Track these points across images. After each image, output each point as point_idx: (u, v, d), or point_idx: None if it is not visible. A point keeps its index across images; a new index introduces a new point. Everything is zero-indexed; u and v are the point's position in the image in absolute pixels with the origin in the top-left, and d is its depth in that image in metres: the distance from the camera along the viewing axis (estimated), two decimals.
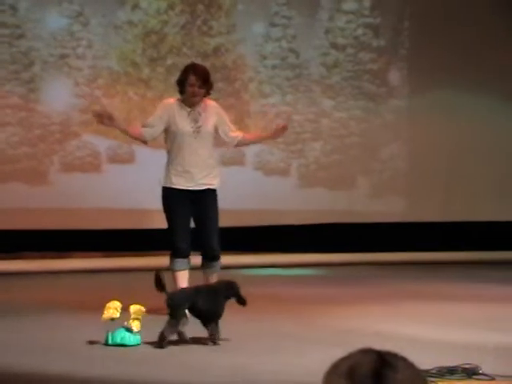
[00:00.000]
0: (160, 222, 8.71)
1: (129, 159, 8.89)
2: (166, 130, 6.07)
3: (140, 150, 8.81)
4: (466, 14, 9.81)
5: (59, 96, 8.74)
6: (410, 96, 9.80)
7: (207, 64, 9.07)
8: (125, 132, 6.26)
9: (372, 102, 9.68)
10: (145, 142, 6.23)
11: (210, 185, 6.05)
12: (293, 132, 9.44)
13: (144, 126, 6.13)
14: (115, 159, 8.87)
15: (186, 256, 6.00)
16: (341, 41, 9.55)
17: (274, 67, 9.36)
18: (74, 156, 8.78)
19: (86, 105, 8.79)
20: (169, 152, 6.09)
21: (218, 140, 6.19)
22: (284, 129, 6.24)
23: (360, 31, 9.61)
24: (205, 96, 6.06)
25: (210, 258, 6.06)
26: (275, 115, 9.37)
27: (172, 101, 6.11)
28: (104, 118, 6.06)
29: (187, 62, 9.06)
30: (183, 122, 6.00)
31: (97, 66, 8.83)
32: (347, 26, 9.57)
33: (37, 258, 8.51)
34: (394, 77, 9.77)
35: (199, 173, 6.01)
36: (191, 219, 6.07)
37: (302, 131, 9.47)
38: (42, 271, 8.17)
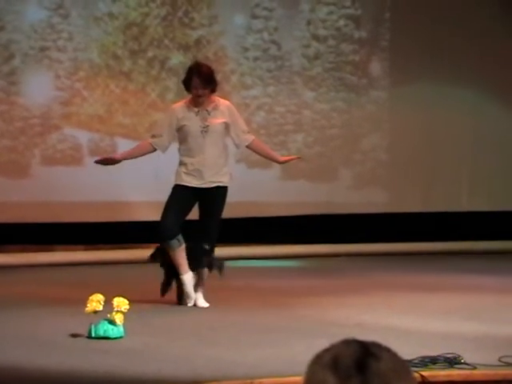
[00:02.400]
0: (142, 215, 8.72)
1: (111, 152, 8.85)
2: (177, 131, 6.14)
3: (122, 143, 8.79)
4: (446, 6, 9.84)
5: (40, 89, 8.69)
6: (391, 87, 9.83)
7: (189, 56, 9.09)
8: (130, 156, 6.28)
9: (353, 93, 9.70)
10: (154, 150, 6.22)
11: (220, 182, 6.13)
12: (275, 124, 9.45)
13: (153, 136, 6.20)
14: (97, 152, 8.83)
15: (171, 234, 6.04)
16: (322, 32, 9.56)
17: (255, 59, 9.36)
18: (56, 149, 8.74)
19: (66, 97, 8.76)
20: (180, 151, 6.18)
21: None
22: (295, 159, 6.62)
23: (341, 22, 9.62)
24: (211, 93, 6.11)
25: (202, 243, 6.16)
26: (257, 107, 9.38)
27: (177, 106, 6.18)
28: (107, 161, 6.25)
29: (168, 54, 9.10)
30: (191, 122, 6.07)
31: (77, 59, 8.79)
32: (328, 18, 9.58)
33: (18, 251, 8.47)
34: (375, 68, 9.79)
35: (208, 171, 6.09)
36: (187, 213, 6.15)
37: (283, 123, 9.48)
38: (24, 264, 8.14)
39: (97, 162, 6.36)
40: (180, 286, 6.11)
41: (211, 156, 6.09)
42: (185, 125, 6.07)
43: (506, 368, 4.30)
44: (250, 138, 6.27)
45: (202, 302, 6.06)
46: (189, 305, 6.06)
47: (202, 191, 6.10)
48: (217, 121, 6.09)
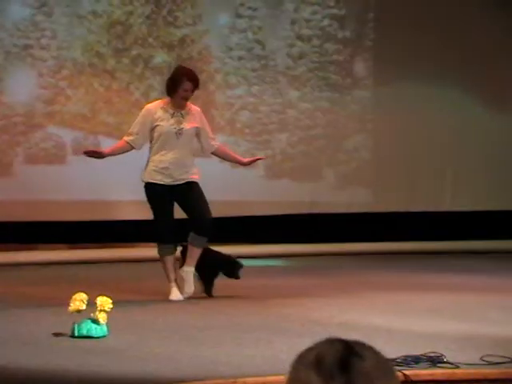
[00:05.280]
0: (126, 214, 8.70)
1: (97, 149, 8.82)
2: (151, 130, 6.39)
3: (106, 142, 8.76)
4: (430, 6, 9.88)
5: (23, 87, 8.65)
6: (374, 87, 9.86)
7: (173, 55, 9.08)
8: (112, 153, 6.50)
9: (337, 92, 9.71)
10: (132, 148, 6.47)
11: (189, 179, 6.40)
12: (259, 123, 9.46)
13: (129, 134, 6.43)
14: (81, 151, 8.80)
15: (169, 242, 6.36)
16: (306, 32, 9.58)
17: (239, 58, 9.36)
18: (39, 147, 8.71)
19: (50, 96, 8.72)
20: (151, 149, 6.42)
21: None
22: (259, 160, 7.02)
23: (325, 22, 9.64)
24: None
25: (201, 231, 6.36)
26: (241, 106, 9.38)
27: (153, 106, 6.45)
28: (94, 154, 6.50)
29: (153, 53, 9.07)
30: (167, 123, 6.34)
31: (61, 57, 8.76)
32: (313, 17, 9.60)
33: (1, 250, 8.42)
34: (359, 68, 9.81)
35: (177, 170, 6.35)
36: (173, 210, 6.42)
37: (268, 122, 9.49)
38: (7, 263, 8.10)
39: (85, 152, 6.59)
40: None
41: (182, 157, 6.36)
42: (160, 125, 6.34)
43: (488, 367, 4.32)
44: (216, 144, 6.59)
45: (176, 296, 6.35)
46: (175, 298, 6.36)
47: (174, 188, 6.35)
48: (190, 125, 6.39)
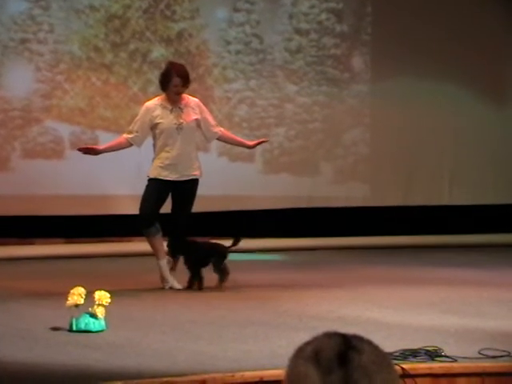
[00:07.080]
0: (123, 208, 8.69)
1: (92, 145, 8.81)
2: (152, 128, 6.47)
3: (103, 136, 8.76)
4: (428, 1, 9.87)
5: (20, 81, 8.64)
6: (372, 81, 9.85)
7: (171, 49, 9.07)
8: (110, 149, 6.58)
9: (335, 87, 9.71)
10: (131, 145, 6.56)
11: (193, 175, 6.53)
12: (257, 117, 9.45)
13: (129, 132, 6.51)
14: (78, 145, 8.78)
15: (150, 222, 6.43)
16: (304, 26, 9.57)
17: (237, 52, 9.35)
18: (36, 142, 8.70)
19: (47, 90, 8.71)
20: (155, 146, 6.52)
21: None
22: (264, 142, 7.01)
23: (323, 16, 9.63)
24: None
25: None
26: (239, 100, 9.37)
27: (152, 104, 6.50)
28: (89, 151, 6.55)
29: (150, 47, 9.06)
30: (167, 119, 6.42)
31: (58, 51, 8.74)
32: (310, 11, 9.59)
33: None
34: (357, 62, 9.80)
35: (182, 165, 6.46)
36: (163, 203, 6.52)
37: (265, 116, 9.48)
38: (3, 258, 8.09)
39: (79, 149, 6.65)
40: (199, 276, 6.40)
41: (185, 151, 6.45)
42: (160, 122, 6.42)
43: (486, 361, 4.33)
44: (219, 130, 6.68)
45: (177, 285, 6.41)
46: (166, 287, 6.42)
47: (177, 184, 6.46)
48: (189, 118, 6.47)
